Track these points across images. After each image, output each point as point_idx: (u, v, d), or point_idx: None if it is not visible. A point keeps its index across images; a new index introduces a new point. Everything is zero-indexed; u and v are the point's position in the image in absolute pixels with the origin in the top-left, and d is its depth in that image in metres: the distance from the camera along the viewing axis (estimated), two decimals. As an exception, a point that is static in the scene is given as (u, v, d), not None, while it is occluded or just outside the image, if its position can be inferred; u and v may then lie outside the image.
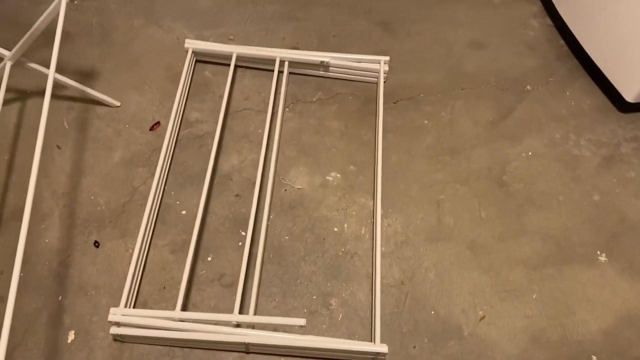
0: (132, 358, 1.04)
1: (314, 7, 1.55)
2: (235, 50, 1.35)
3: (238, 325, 1.01)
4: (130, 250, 1.14)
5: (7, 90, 1.18)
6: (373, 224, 1.18)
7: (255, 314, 1.07)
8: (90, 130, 1.31)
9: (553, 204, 1.23)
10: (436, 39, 1.51)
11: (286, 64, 1.36)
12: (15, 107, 1.34)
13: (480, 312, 1.10)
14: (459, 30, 1.53)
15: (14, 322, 1.08)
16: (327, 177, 1.26)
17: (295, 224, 1.20)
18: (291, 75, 1.41)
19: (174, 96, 1.30)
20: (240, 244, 1.15)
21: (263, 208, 1.16)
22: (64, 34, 1.14)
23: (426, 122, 1.35)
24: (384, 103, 1.36)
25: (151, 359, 1.04)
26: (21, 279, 1.11)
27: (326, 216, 1.21)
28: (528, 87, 1.42)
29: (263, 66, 1.40)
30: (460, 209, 1.23)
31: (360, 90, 1.40)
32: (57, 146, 1.28)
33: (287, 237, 1.18)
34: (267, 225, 1.18)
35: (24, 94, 1.35)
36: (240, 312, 1.05)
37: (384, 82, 1.39)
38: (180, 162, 1.27)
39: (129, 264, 1.08)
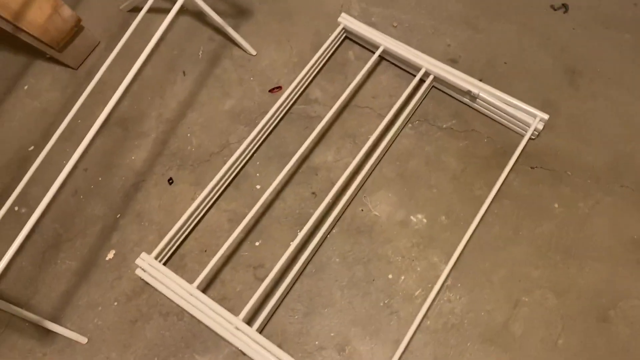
0: (149, 301, 1.08)
1: (502, 22, 1.32)
2: (384, 43, 1.22)
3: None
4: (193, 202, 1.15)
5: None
6: (432, 290, 1.04)
7: (262, 329, 1.03)
8: (218, 69, 1.30)
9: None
10: (622, 112, 1.21)
11: (431, 77, 1.20)
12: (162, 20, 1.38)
13: None
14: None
15: (75, 218, 1.16)
16: (412, 217, 1.12)
17: (353, 250, 1.10)
18: (432, 89, 1.25)
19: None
20: (291, 243, 1.09)
21: (328, 218, 1.08)
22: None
23: (556, 205, 1.12)
24: (519, 164, 1.15)
25: (163, 310, 1.07)
26: (98, 183, 1.19)
27: (388, 257, 1.09)
28: None
29: (407, 68, 1.26)
30: (538, 322, 1.02)
31: (500, 136, 1.19)
32: (183, 72, 1.30)
33: (337, 260, 1.09)
34: (324, 238, 1.10)
35: (181, 10, 1.38)
36: (252, 319, 1.02)
37: (533, 139, 1.17)
38: (280, 135, 1.22)
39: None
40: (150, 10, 1.12)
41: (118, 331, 1.06)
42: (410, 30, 1.33)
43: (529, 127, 1.15)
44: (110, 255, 1.12)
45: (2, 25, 1.12)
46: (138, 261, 1.02)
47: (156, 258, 1.04)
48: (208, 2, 1.33)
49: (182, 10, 1.36)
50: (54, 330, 1.03)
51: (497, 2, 1.35)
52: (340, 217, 1.12)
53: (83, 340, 1.04)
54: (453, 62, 1.27)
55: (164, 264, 1.09)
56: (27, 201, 1.17)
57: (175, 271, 1.07)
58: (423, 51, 1.22)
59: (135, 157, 1.21)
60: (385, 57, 1.28)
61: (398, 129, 1.18)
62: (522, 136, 1.17)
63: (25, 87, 1.29)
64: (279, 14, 1.36)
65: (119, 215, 1.15)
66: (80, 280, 1.10)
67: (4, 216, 1.03)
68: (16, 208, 1.17)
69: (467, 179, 1.16)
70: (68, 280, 1.10)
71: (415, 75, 1.22)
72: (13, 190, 1.06)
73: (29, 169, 1.07)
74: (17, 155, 1.22)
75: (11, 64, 1.33)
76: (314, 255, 1.09)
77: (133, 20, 1.09)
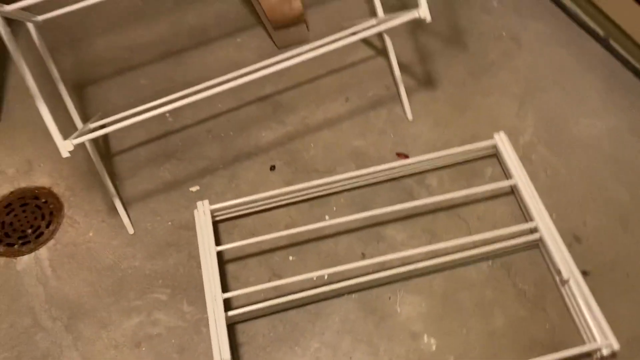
0: (189, 239, 1.23)
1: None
2: (518, 180, 1.20)
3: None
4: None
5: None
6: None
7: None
8: (373, 112, 1.39)
9: None
10: None
11: (537, 234, 1.14)
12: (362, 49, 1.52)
13: None
14: None
15: (195, 147, 1.36)
16: (425, 336, 1.09)
17: (355, 321, 1.11)
18: (535, 246, 1.18)
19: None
20: (314, 276, 1.14)
21: (358, 279, 1.11)
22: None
23: None
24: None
25: (193, 252, 1.21)
26: (226, 135, 1.38)
27: (378, 352, 1.08)
28: None
29: (524, 212, 1.21)
30: None
31: (564, 333, 1.08)
32: (346, 98, 1.43)
33: (336, 320, 1.12)
34: (340, 295, 1.14)
35: (378, 51, 1.50)
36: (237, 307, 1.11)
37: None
38: (376, 192, 1.27)
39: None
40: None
41: (154, 244, 1.23)
42: (557, 187, 1.27)
43: (596, 345, 1.03)
44: (194, 188, 1.30)
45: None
46: (199, 204, 1.18)
47: (212, 212, 1.19)
48: (405, 58, 1.44)
49: (380, 52, 1.49)
50: (119, 210, 1.24)
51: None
52: (366, 289, 1.15)
53: (130, 230, 1.24)
54: (575, 240, 1.19)
55: (217, 221, 1.24)
56: (177, 112, 1.41)
57: (221, 232, 1.22)
58: (554, 214, 1.17)
59: (265, 135, 1.37)
60: (514, 191, 1.25)
61: (475, 256, 1.15)
62: (584, 345, 1.05)
63: (238, 40, 1.55)
64: (455, 101, 1.41)
65: (221, 166, 1.33)
66: (164, 190, 1.30)
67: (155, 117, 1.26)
68: (168, 114, 1.42)
69: (501, 344, 1.08)
70: (156, 185, 1.31)
71: (527, 222, 1.17)
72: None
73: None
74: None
75: (235, 17, 1.59)
76: (322, 300, 1.14)
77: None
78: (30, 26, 1.11)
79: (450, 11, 1.57)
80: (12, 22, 0.98)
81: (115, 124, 1.04)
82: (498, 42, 1.50)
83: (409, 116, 1.38)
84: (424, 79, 1.45)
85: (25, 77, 0.93)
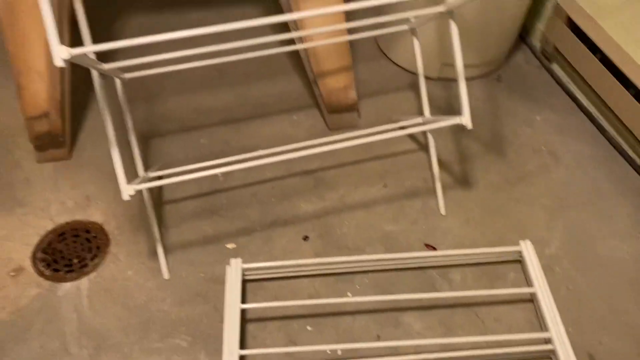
0: (217, 292, 1.31)
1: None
2: (538, 289, 1.23)
3: None
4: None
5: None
6: None
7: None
8: (409, 202, 1.48)
9: None
10: None
11: (550, 345, 1.16)
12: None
13: None
14: None
15: (240, 208, 1.45)
16: None
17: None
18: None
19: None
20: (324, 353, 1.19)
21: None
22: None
23: None
24: None
25: (218, 305, 1.28)
26: (276, 199, 1.48)
27: None
28: None
29: (541, 324, 1.23)
30: None
31: None
32: (385, 184, 1.52)
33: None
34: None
35: (420, 146, 1.60)
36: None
37: None
38: (400, 279, 1.33)
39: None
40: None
41: (184, 292, 1.31)
42: (577, 302, 1.29)
43: None
44: (230, 245, 1.39)
45: (307, 68, 1.51)
46: (232, 261, 1.27)
47: (243, 270, 1.26)
48: (445, 155, 1.52)
49: (422, 146, 1.59)
50: (159, 255, 1.34)
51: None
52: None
53: (165, 275, 1.33)
54: (589, 358, 1.20)
55: (246, 280, 1.31)
56: (228, 174, 1.53)
57: (247, 291, 1.29)
58: (571, 328, 1.20)
59: (303, 206, 1.47)
60: (533, 299, 1.28)
61: (488, 356, 1.18)
62: None
63: (294, 117, 1.68)
64: (487, 204, 1.48)
65: (258, 228, 1.42)
66: (203, 243, 1.39)
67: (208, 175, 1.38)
68: (219, 174, 1.54)
69: None
70: (197, 237, 1.40)
71: (542, 331, 1.20)
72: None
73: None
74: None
75: (295, 97, 1.74)
76: (332, 373, 1.18)
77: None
78: (117, 81, 1.27)
79: (495, 119, 1.67)
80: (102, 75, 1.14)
81: (173, 177, 1.16)
82: (536, 155, 1.58)
83: (442, 211, 1.45)
84: (460, 178, 1.53)
85: (106, 125, 1.06)
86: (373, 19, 1.24)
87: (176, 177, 1.16)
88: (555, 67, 1.81)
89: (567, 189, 1.51)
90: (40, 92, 1.38)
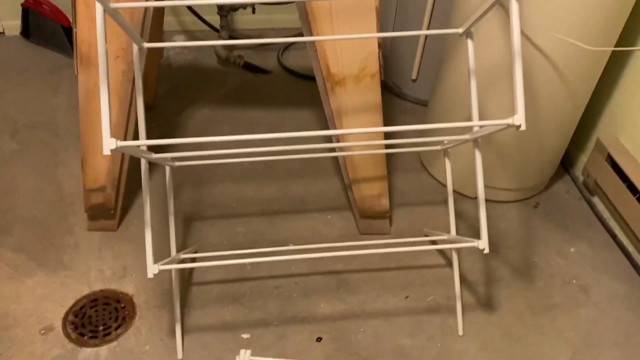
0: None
1: None
2: None
3: None
4: None
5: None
6: None
7: None
8: (426, 314, 1.48)
9: None
10: None
11: None
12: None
13: None
14: None
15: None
16: None
17: None
18: None
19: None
20: None
21: None
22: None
23: None
24: None
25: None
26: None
27: None
28: None
29: None
30: None
31: None
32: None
33: None
34: None
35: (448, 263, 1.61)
36: None
37: None
38: None
39: None
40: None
41: (195, 374, 1.35)
42: None
43: None
44: (245, 335, 1.42)
45: (344, 173, 1.59)
46: (241, 352, 1.29)
47: (251, 362, 1.29)
48: (472, 275, 1.52)
49: (450, 263, 1.60)
50: (177, 335, 1.39)
51: None
52: None
53: (179, 355, 1.37)
54: None
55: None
56: (256, 264, 1.60)
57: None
58: None
59: (323, 306, 1.49)
60: None
61: None
62: None
63: (329, 217, 1.75)
64: (508, 331, 1.44)
65: (275, 322, 1.45)
66: (220, 329, 1.44)
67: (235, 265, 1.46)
68: (248, 264, 1.60)
69: None
70: (215, 322, 1.45)
71: None
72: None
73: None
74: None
75: (332, 197, 1.82)
76: None
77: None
78: (167, 167, 1.40)
79: (527, 246, 1.67)
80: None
81: (203, 261, 1.24)
82: (566, 287, 1.55)
83: (460, 331, 1.43)
84: (484, 300, 1.52)
85: (145, 207, 1.17)
86: (408, 139, 1.33)
87: (205, 261, 1.24)
88: (596, 201, 1.81)
89: (594, 327, 1.46)
90: (100, 168, 1.54)
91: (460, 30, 1.20)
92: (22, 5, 2.32)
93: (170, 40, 2.52)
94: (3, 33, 2.48)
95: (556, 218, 1.78)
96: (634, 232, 1.58)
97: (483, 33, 1.45)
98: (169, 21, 2.54)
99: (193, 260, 1.53)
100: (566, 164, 1.95)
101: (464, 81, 1.54)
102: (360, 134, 1.50)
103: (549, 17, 1.37)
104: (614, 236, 1.69)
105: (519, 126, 0.95)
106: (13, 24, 2.43)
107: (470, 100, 1.20)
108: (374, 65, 1.41)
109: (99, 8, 0.87)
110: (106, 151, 0.88)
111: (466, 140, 1.22)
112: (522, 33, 1.40)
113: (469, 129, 1.23)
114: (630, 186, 1.58)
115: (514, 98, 0.95)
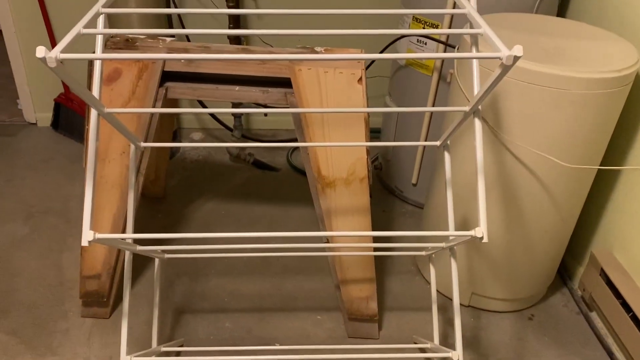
0: None
1: None
2: None
3: None
4: None
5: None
6: None
7: None
8: None
9: None
10: None
11: None
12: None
13: None
14: None
15: None
16: None
17: None
18: None
19: None
20: None
21: None
22: None
23: None
24: None
25: None
26: None
27: None
28: None
29: None
30: None
31: None
32: None
33: None
34: None
35: None
36: None
37: None
38: None
39: None
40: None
41: None
42: None
43: None
44: None
45: (332, 273, 1.61)
46: None
47: None
48: None
49: None
50: None
51: None
52: None
53: None
54: None
55: None
56: None
57: None
58: None
59: (302, 411, 1.46)
60: None
61: None
62: None
63: (318, 317, 1.75)
64: None
65: None
66: None
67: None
68: None
69: None
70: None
71: None
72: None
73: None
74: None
75: (324, 296, 1.82)
76: None
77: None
78: (156, 259, 1.45)
79: (518, 359, 1.62)
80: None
81: (184, 356, 1.25)
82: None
83: None
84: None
85: (124, 299, 1.21)
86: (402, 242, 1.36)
87: (187, 356, 1.25)
88: (594, 316, 1.77)
89: None
90: (98, 256, 1.60)
91: (437, 143, 1.27)
92: (54, 100, 2.53)
93: (188, 137, 2.67)
94: (35, 124, 2.67)
95: (552, 332, 1.73)
96: (629, 350, 1.53)
97: (467, 143, 1.52)
98: (188, 119, 2.71)
99: (177, 354, 1.54)
100: (564, 276, 1.93)
101: (452, 189, 1.59)
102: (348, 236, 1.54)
103: (531, 133, 1.43)
104: (610, 354, 1.63)
105: (481, 238, 0.98)
106: (45, 116, 2.63)
107: (447, 209, 1.24)
108: (362, 170, 1.47)
109: (93, 112, 0.97)
110: (84, 242, 0.94)
111: (442, 248, 1.25)
112: (506, 147, 1.46)
113: (447, 237, 1.26)
114: (624, 303, 1.55)
115: (478, 211, 0.99)
